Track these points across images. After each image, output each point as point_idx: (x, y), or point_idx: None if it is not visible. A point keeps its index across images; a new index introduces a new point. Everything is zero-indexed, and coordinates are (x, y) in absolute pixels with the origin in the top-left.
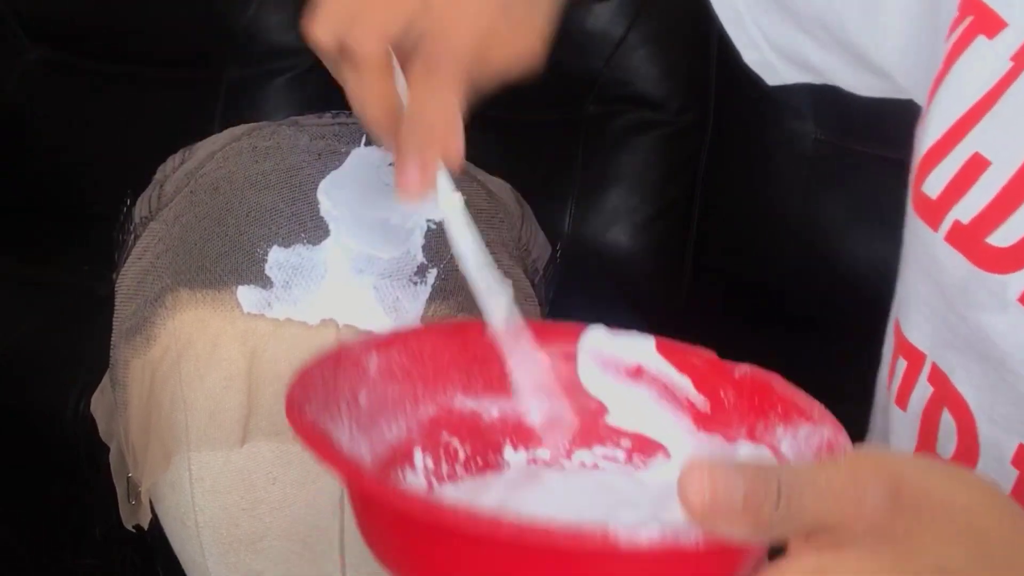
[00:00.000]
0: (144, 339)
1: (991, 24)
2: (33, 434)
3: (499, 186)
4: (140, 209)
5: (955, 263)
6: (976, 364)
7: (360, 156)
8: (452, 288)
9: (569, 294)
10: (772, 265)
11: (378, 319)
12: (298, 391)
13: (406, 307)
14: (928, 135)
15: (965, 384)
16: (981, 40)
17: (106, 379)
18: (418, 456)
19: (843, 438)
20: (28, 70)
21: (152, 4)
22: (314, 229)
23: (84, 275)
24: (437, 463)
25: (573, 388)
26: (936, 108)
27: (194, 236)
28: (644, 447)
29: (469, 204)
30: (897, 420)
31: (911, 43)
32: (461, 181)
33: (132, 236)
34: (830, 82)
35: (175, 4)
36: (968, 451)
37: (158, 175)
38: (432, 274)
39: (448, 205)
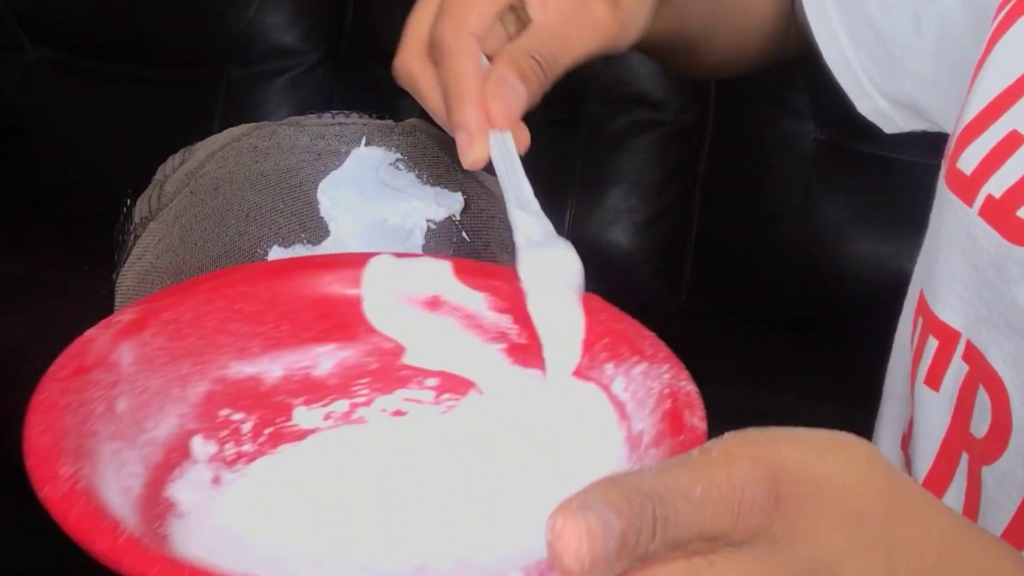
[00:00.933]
0: None
1: None
2: None
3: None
4: (140, 209)
5: (988, 238)
6: (1010, 339)
7: (360, 156)
8: None
9: None
10: (772, 265)
11: None
12: (44, 435)
13: None
14: (966, 114)
15: (1000, 361)
16: (1022, 21)
17: None
18: (198, 445)
19: (686, 381)
20: (28, 70)
21: (152, 4)
22: (314, 229)
23: (84, 275)
24: (222, 446)
25: (364, 330)
26: (977, 87)
27: (194, 236)
28: (453, 385)
29: (469, 204)
30: (928, 402)
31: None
32: (461, 181)
33: (132, 236)
34: (942, 128)
35: (175, 4)
36: (1001, 429)
37: (158, 175)
38: None
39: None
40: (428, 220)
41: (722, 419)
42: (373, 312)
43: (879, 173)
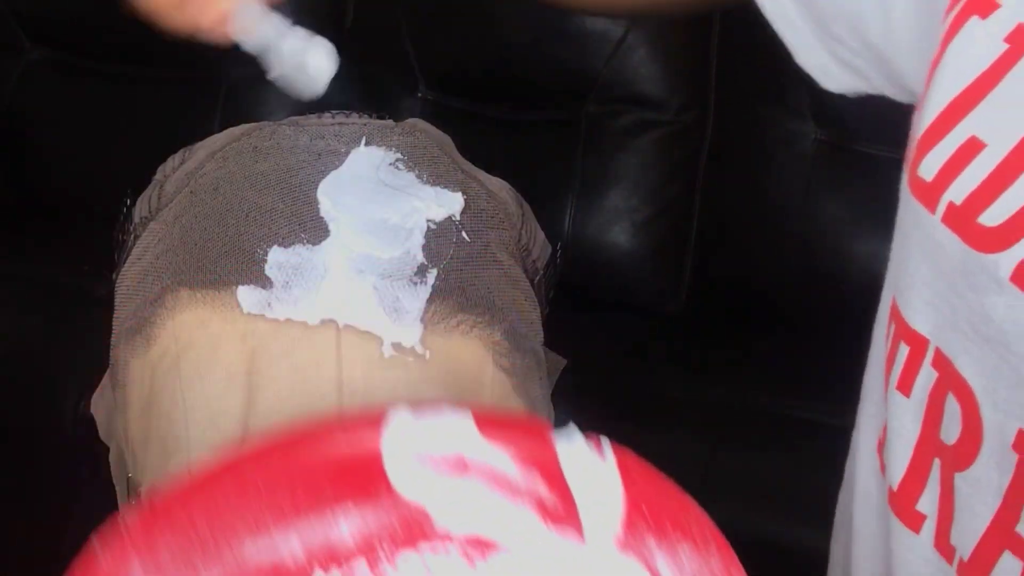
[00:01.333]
0: (144, 339)
1: (984, 4)
2: (33, 434)
3: (499, 186)
4: (140, 209)
5: (952, 245)
6: (979, 347)
7: (360, 156)
8: (452, 288)
9: (569, 294)
10: (772, 265)
11: (378, 319)
12: None
13: (406, 307)
14: (924, 118)
15: (969, 368)
16: (975, 21)
17: (106, 379)
18: None
19: (737, 571)
20: (28, 70)
21: None
22: (314, 229)
23: (84, 275)
24: None
25: (387, 494)
26: (932, 90)
27: (194, 236)
28: (482, 547)
29: (469, 204)
30: (900, 407)
31: (918, 41)
32: (461, 181)
33: (132, 236)
34: (880, 91)
35: None
36: (972, 436)
37: (158, 175)
38: (432, 274)
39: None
40: (428, 220)
41: (722, 419)
42: (396, 475)
43: (879, 173)
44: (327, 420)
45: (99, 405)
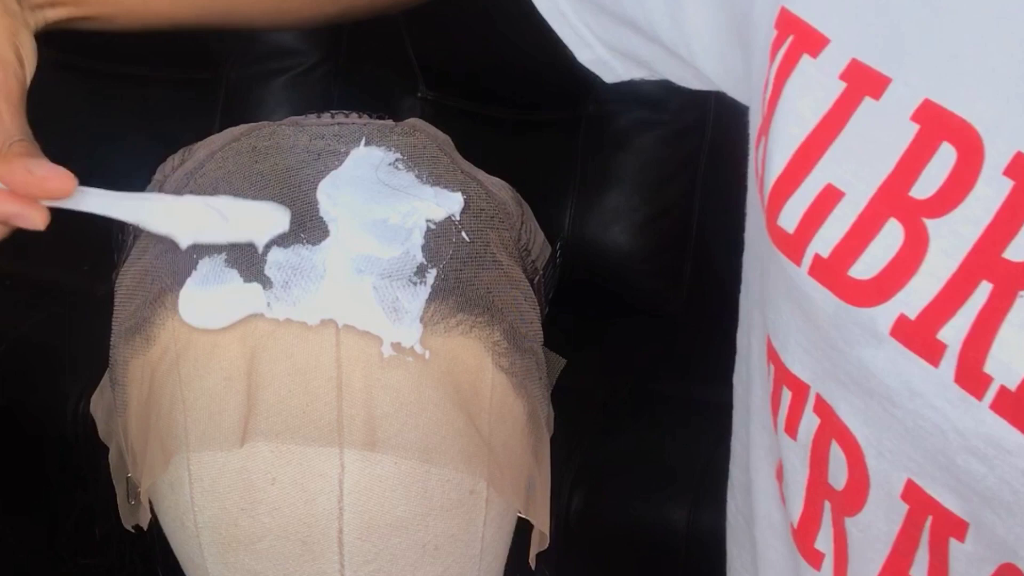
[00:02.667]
0: (144, 339)
1: (813, 41)
2: (33, 434)
3: (499, 186)
4: None
5: (823, 298)
6: (860, 399)
7: (360, 156)
8: (452, 288)
9: (569, 294)
10: None
11: (378, 319)
12: None
13: (406, 307)
14: (773, 164)
15: (851, 417)
16: (806, 60)
17: (106, 379)
18: None
19: None
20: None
21: None
22: (314, 229)
23: (84, 275)
24: None
25: None
26: (776, 135)
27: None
28: None
29: (469, 204)
30: (789, 448)
31: (716, 47)
32: (461, 181)
33: (132, 236)
34: (663, 76)
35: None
36: (859, 484)
37: (158, 175)
38: (432, 274)
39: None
40: (428, 220)
41: (722, 419)
42: None
43: None
44: None
45: (99, 405)
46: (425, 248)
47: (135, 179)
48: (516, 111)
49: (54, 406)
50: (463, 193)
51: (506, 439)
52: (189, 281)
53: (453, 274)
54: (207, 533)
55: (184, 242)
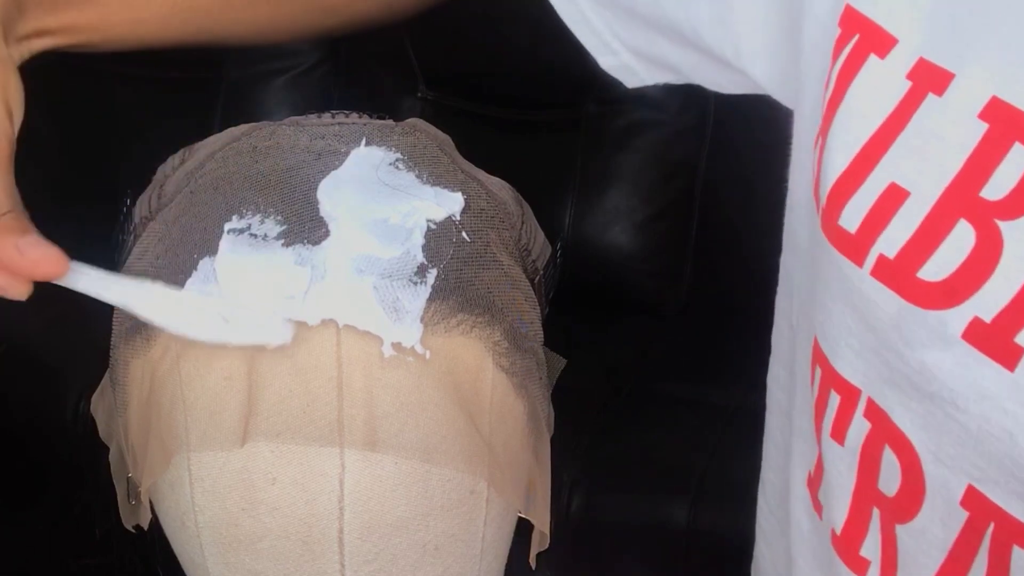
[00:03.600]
0: (144, 339)
1: (881, 41)
2: (33, 434)
3: (499, 186)
4: (140, 209)
5: (885, 299)
6: (919, 403)
7: (360, 156)
8: (452, 288)
9: (569, 294)
10: (772, 265)
11: (378, 319)
12: None
13: (406, 307)
14: (835, 164)
15: (907, 422)
16: (873, 60)
17: (106, 379)
18: None
19: None
20: (28, 70)
21: None
22: (314, 229)
23: None
24: None
25: None
26: (837, 134)
27: (194, 236)
28: None
29: (469, 204)
30: (834, 454)
31: (767, 47)
32: (461, 181)
33: (132, 236)
34: (692, 80)
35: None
36: (914, 490)
37: (158, 175)
38: (432, 274)
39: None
40: (428, 220)
41: (722, 419)
42: None
43: None
44: None
45: (99, 405)
46: (425, 248)
47: (135, 179)
48: (516, 111)
49: (54, 406)
50: (463, 193)
51: (506, 439)
52: (189, 282)
53: (454, 274)
54: (208, 533)
55: (174, 332)
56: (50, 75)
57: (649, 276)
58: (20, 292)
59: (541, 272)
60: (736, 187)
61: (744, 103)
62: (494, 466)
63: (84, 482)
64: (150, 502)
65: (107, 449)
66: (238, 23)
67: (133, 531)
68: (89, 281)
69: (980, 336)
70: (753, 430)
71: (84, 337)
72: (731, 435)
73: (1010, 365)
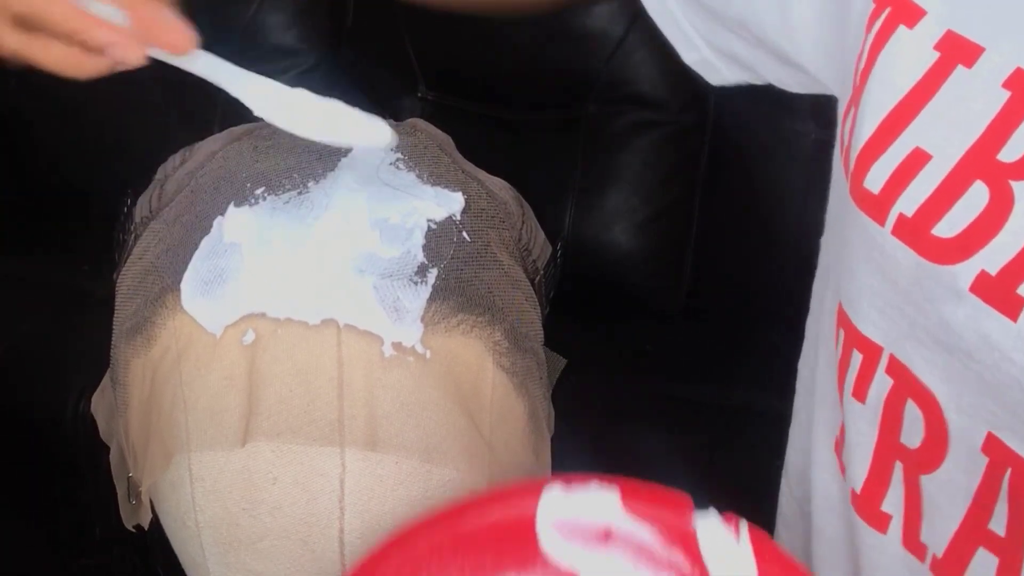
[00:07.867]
0: (144, 339)
1: (910, 13)
2: (33, 434)
3: (499, 186)
4: (140, 209)
5: (905, 256)
6: (939, 355)
7: (360, 156)
8: (452, 288)
9: (569, 294)
10: (772, 265)
11: (379, 319)
12: None
13: (406, 307)
14: (863, 130)
15: (928, 375)
16: (902, 30)
17: (106, 379)
18: None
19: None
20: (28, 70)
21: None
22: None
23: (84, 275)
24: None
25: (541, 563)
26: (867, 102)
27: (195, 236)
28: None
29: (469, 204)
30: (855, 413)
31: (821, 37)
32: (462, 181)
33: (132, 236)
34: (766, 80)
35: (174, 4)
36: (937, 440)
37: (158, 175)
38: (432, 274)
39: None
40: (428, 220)
41: (722, 419)
42: (549, 546)
43: None
44: (486, 493)
45: (99, 405)
46: (426, 248)
47: (135, 179)
48: (516, 111)
49: (54, 406)
50: (464, 193)
51: (507, 439)
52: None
53: (454, 274)
54: (208, 533)
55: (279, 125)
56: (51, 75)
57: (649, 276)
58: (138, 57)
59: (541, 272)
60: (736, 187)
61: (744, 103)
62: (494, 466)
63: (84, 482)
64: (150, 502)
65: (107, 449)
66: None
67: (133, 531)
68: (204, 64)
69: (986, 288)
70: (752, 428)
71: (84, 337)
72: (731, 434)
73: (1013, 316)
